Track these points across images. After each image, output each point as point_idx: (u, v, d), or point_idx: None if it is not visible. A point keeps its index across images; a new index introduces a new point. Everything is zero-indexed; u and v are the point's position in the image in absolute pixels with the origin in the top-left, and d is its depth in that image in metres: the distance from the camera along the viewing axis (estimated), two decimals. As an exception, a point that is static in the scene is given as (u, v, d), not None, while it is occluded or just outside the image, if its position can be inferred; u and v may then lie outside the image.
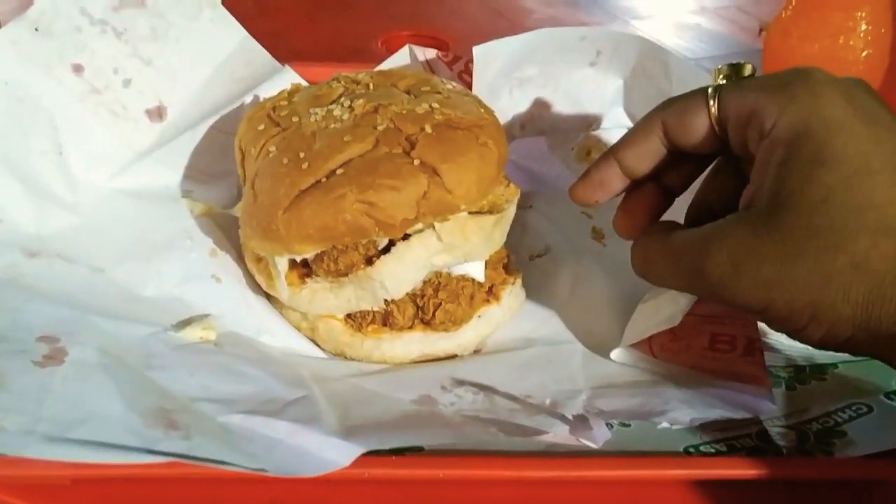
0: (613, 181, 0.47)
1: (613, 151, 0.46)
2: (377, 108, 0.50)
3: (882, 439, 0.44)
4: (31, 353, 0.43)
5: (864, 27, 0.82)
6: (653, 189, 0.47)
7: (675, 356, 0.50)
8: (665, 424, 0.43)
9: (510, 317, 0.55)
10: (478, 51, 0.62)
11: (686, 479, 0.44)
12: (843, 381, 0.50)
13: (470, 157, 0.48)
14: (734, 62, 0.44)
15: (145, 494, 0.44)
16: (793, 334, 0.39)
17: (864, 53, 0.82)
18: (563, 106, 0.68)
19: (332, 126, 0.49)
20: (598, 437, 0.42)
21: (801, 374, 0.51)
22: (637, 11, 1.19)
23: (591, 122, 0.69)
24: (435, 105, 0.50)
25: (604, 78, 0.68)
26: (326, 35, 1.01)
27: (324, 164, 0.47)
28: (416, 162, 0.47)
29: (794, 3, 0.86)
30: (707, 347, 0.50)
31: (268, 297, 0.55)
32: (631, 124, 0.67)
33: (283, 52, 0.68)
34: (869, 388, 0.49)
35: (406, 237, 0.49)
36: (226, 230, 0.57)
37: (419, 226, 0.48)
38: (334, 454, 0.40)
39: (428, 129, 0.48)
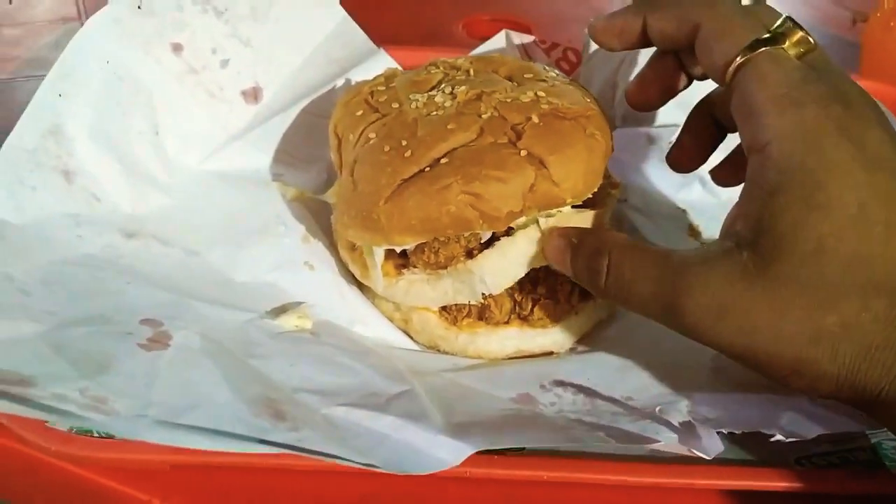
0: (633, 38, 0.46)
1: (644, 10, 0.45)
2: (480, 95, 0.48)
3: None
4: (136, 336, 0.42)
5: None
6: (674, 65, 0.47)
7: None
8: (779, 437, 0.41)
9: (608, 313, 0.54)
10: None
11: (799, 493, 0.42)
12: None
13: (578, 149, 0.46)
14: (794, 25, 0.40)
15: (240, 482, 0.43)
16: (772, 380, 0.38)
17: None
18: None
19: (435, 113, 0.48)
20: (710, 448, 0.40)
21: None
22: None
23: None
24: (541, 94, 0.48)
25: None
26: (407, 18, 0.99)
27: (427, 153, 0.45)
28: (523, 153, 0.45)
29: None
30: None
31: (359, 286, 0.54)
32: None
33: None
34: None
35: (509, 230, 0.48)
36: (317, 216, 0.56)
37: (522, 219, 0.47)
38: (444, 453, 0.39)
39: (535, 118, 0.46)
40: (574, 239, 0.45)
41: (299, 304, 0.50)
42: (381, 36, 0.69)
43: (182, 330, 0.43)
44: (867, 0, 0.90)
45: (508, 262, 0.48)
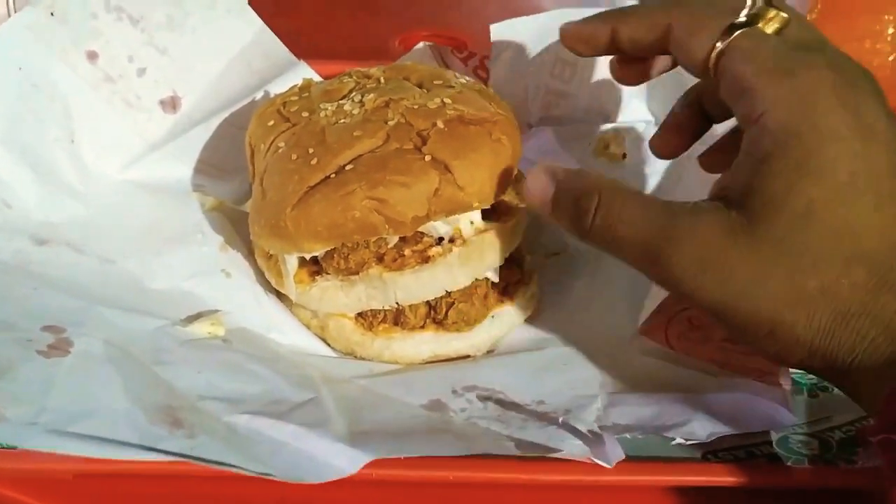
0: (601, 45, 0.47)
1: (612, 20, 0.45)
2: (388, 102, 0.49)
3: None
4: (36, 343, 0.42)
5: (891, 30, 0.81)
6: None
7: (692, 347, 0.48)
8: (680, 440, 0.42)
9: (525, 317, 0.54)
10: (496, 28, 0.61)
11: (705, 486, 0.43)
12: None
13: (483, 154, 0.47)
14: (764, 4, 0.40)
15: (150, 491, 0.43)
16: (745, 342, 0.39)
17: (891, 57, 0.81)
18: (580, 97, 0.66)
19: (343, 121, 0.48)
20: (612, 456, 0.41)
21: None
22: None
23: (609, 114, 0.66)
24: (447, 100, 0.49)
25: None
26: (345, 33, 1.00)
27: (333, 160, 0.46)
28: (428, 158, 0.46)
29: (819, 6, 0.85)
30: (726, 338, 0.48)
31: (278, 294, 0.54)
32: (650, 118, 0.65)
33: (301, 49, 0.67)
34: None
35: (419, 235, 0.48)
36: (237, 225, 0.57)
37: (431, 223, 0.47)
38: (341, 461, 0.39)
39: (440, 124, 0.47)
40: (560, 176, 0.43)
41: (214, 311, 0.50)
42: (319, 50, 0.69)
43: (85, 337, 0.43)
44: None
45: (422, 285, 0.49)
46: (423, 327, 0.51)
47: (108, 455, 0.37)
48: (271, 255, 0.52)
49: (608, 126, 0.65)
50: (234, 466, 0.38)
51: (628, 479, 0.42)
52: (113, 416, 0.39)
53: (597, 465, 0.41)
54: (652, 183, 0.63)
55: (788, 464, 0.43)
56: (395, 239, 0.48)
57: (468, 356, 0.52)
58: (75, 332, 0.43)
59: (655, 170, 0.63)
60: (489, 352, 0.52)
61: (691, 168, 0.53)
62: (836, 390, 0.48)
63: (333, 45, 0.95)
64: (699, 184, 0.51)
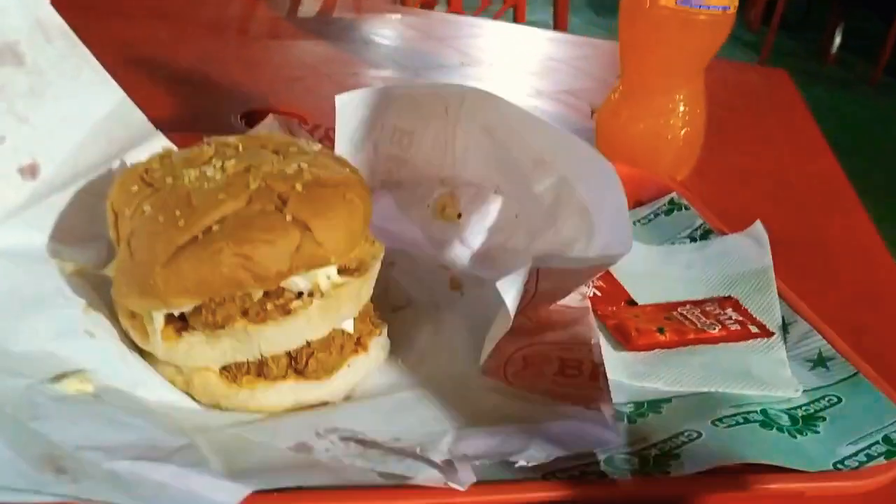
0: None
1: None
2: (248, 168, 0.53)
3: (706, 459, 0.51)
4: None
5: (682, 108, 0.93)
6: None
7: (527, 382, 0.55)
8: (522, 463, 0.47)
9: (377, 365, 0.59)
10: (340, 100, 0.67)
11: (546, 502, 0.48)
12: (677, 413, 0.56)
13: (338, 213, 0.52)
14: None
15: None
16: None
17: (682, 131, 0.93)
18: (416, 162, 0.72)
19: (206, 186, 0.52)
20: (465, 479, 0.46)
21: (640, 408, 0.57)
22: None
23: (444, 177, 0.72)
24: (304, 165, 0.54)
25: (453, 133, 0.70)
26: (186, 110, 1.03)
27: (199, 221, 0.50)
28: (289, 217, 0.50)
29: (622, 88, 0.97)
30: (557, 373, 0.55)
31: (141, 353, 0.56)
32: (478, 182, 0.72)
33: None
34: (699, 418, 0.55)
35: (281, 290, 0.52)
36: (98, 289, 0.58)
37: (292, 279, 0.52)
38: (223, 495, 0.42)
39: (298, 187, 0.52)
40: None
41: (80, 370, 0.51)
42: (161, 125, 0.72)
43: None
44: (600, 94, 1.03)
45: (284, 337, 0.53)
46: (284, 377, 0.55)
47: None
48: (136, 315, 0.54)
49: (444, 189, 0.72)
50: None
51: (480, 499, 0.47)
52: None
53: (451, 488, 0.46)
54: (484, 239, 0.70)
55: (615, 478, 0.50)
56: (260, 293, 0.52)
57: (327, 402, 0.56)
58: None
59: (487, 227, 0.70)
60: (347, 398, 0.57)
61: (521, 226, 0.60)
62: (650, 416, 0.56)
63: (175, 122, 0.98)
64: (526, 239, 0.58)
